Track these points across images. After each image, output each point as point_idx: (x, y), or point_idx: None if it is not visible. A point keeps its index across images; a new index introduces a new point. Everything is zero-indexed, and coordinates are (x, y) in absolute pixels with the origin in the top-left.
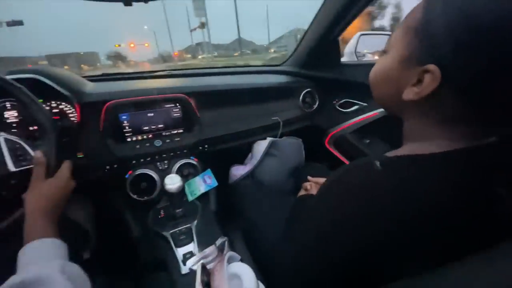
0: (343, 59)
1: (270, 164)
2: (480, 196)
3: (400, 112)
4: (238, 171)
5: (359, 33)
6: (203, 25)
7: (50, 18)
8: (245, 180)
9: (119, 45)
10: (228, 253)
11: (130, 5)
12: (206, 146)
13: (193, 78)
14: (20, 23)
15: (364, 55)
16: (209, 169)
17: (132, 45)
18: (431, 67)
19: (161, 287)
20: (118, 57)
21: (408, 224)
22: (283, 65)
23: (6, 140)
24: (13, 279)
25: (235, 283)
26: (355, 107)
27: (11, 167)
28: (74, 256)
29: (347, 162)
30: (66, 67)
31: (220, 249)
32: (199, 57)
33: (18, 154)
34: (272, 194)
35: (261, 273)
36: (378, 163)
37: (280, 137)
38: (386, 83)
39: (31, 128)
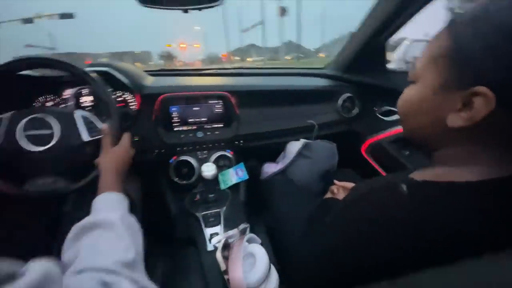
0: (390, 66)
1: (302, 165)
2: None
3: (438, 142)
4: (269, 169)
5: (411, 39)
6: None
7: (109, 18)
8: (276, 177)
9: (170, 45)
10: (249, 235)
11: (187, 12)
12: (241, 141)
13: (237, 78)
14: (70, 16)
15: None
16: (242, 163)
17: (182, 45)
18: (482, 89)
19: (190, 260)
20: (169, 57)
21: (426, 250)
22: (325, 69)
23: (83, 116)
24: (87, 219)
25: (249, 261)
26: (397, 116)
27: (85, 137)
28: None
29: (382, 172)
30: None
31: (242, 233)
32: (249, 59)
33: (90, 127)
34: (301, 194)
35: (279, 266)
36: (404, 187)
37: (315, 140)
38: (421, 113)
39: (99, 107)
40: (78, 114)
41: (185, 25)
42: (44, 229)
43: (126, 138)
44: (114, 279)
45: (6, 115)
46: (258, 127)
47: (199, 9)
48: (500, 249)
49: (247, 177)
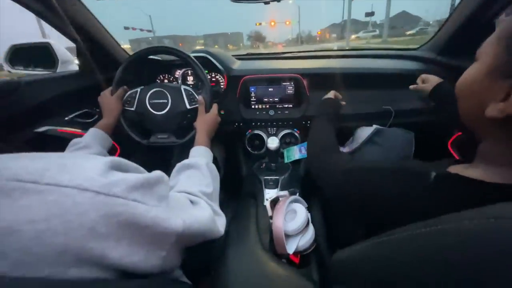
0: None
1: (371, 152)
2: None
3: (479, 130)
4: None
5: None
6: None
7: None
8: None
9: (260, 24)
10: (295, 196)
11: (268, 3)
12: (309, 122)
13: (315, 60)
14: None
15: None
16: (306, 142)
17: (272, 23)
18: None
19: (250, 209)
20: (257, 37)
21: None
22: (419, 50)
23: (185, 89)
24: (185, 161)
25: (292, 215)
26: None
27: (187, 105)
28: None
29: None
30: (216, 46)
31: (291, 194)
32: (353, 36)
33: (190, 98)
34: None
35: (326, 235)
36: (432, 175)
37: (390, 127)
38: (469, 95)
39: (194, 82)
40: (183, 88)
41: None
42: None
43: (215, 108)
44: (197, 200)
45: (138, 89)
46: None
47: (278, 0)
48: None
49: None
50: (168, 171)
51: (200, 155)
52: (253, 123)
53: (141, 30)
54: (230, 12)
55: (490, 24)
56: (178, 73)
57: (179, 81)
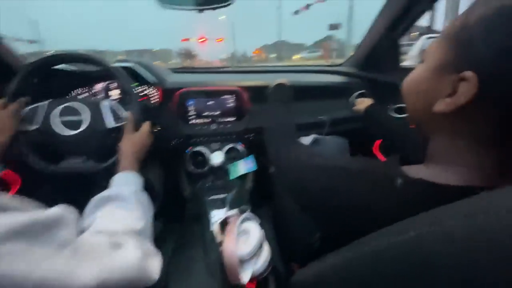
0: (406, 63)
1: None
2: None
3: (429, 128)
4: None
5: (424, 36)
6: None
7: (126, 15)
8: None
9: (187, 39)
10: (246, 214)
11: (202, 12)
12: (252, 134)
13: (250, 75)
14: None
15: None
16: (252, 155)
17: (202, 39)
18: (468, 74)
19: (195, 235)
20: (188, 54)
21: None
22: (342, 66)
23: (109, 105)
24: (103, 193)
25: (244, 237)
26: None
27: (111, 123)
28: None
29: None
30: None
31: (242, 212)
32: (297, 57)
33: (115, 115)
34: None
35: (279, 248)
36: (399, 181)
37: (326, 136)
38: (418, 93)
39: (120, 96)
40: (104, 104)
41: (209, 15)
42: (76, 204)
43: (146, 126)
44: (121, 241)
45: (44, 103)
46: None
47: (213, 9)
48: None
49: (255, 167)
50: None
51: (126, 183)
52: (194, 139)
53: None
54: (154, 27)
55: (396, 44)
56: (99, 86)
57: (101, 96)
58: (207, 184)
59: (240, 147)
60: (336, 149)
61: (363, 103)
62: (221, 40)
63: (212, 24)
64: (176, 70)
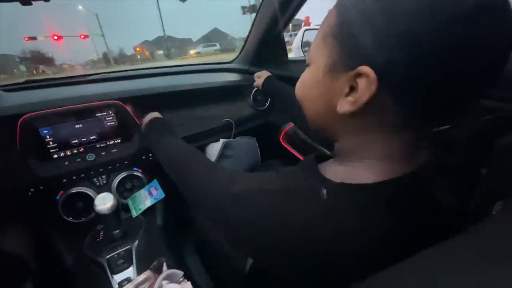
0: (291, 55)
1: (226, 166)
2: (426, 212)
3: (334, 130)
4: None
5: (303, 28)
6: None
7: None
8: None
9: (33, 38)
10: (166, 273)
11: (30, 4)
12: (150, 155)
13: (131, 81)
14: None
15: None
16: (155, 180)
17: (56, 37)
18: (364, 69)
19: None
20: (38, 58)
21: (338, 258)
22: (233, 62)
23: None
24: None
25: None
26: None
27: None
28: None
29: (301, 157)
30: None
31: (157, 271)
32: (192, 52)
33: None
34: None
35: (213, 280)
36: (324, 192)
37: (234, 137)
38: (314, 98)
39: None
40: None
41: (62, 6)
42: None
43: None
44: None
45: None
46: None
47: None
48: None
49: (163, 195)
50: None
51: None
52: (64, 180)
53: None
54: None
55: (280, 38)
56: None
57: None
58: (99, 237)
59: (137, 173)
60: (247, 149)
61: (261, 76)
62: (86, 37)
63: (64, 18)
64: (15, 87)
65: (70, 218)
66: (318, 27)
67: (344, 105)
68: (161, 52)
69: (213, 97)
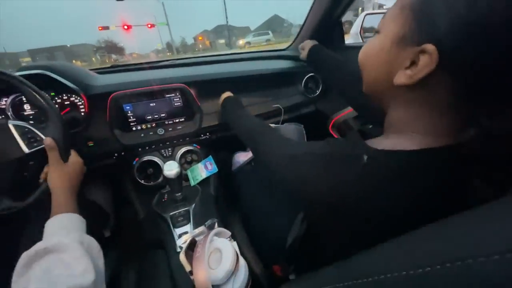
0: (348, 41)
1: None
2: (456, 190)
3: (387, 100)
4: (240, 158)
5: (364, 13)
6: None
7: (26, 10)
8: (246, 166)
9: (106, 28)
10: (216, 229)
11: None
12: (207, 134)
13: (195, 67)
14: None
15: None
16: (210, 156)
17: (126, 26)
18: (429, 47)
19: (159, 263)
20: (111, 48)
21: (378, 220)
22: (287, 50)
23: (15, 126)
24: (38, 245)
25: (216, 257)
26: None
27: (25, 149)
28: (96, 234)
29: None
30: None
31: (210, 228)
32: (241, 42)
33: (29, 137)
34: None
35: (255, 251)
36: (365, 158)
37: (282, 123)
38: (376, 65)
39: (35, 113)
40: (12, 125)
41: None
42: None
43: (74, 154)
44: None
45: None
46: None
47: None
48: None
49: (216, 170)
50: (17, 257)
51: (64, 229)
52: (140, 149)
53: None
54: (64, 18)
55: (338, 22)
56: (5, 102)
57: (9, 114)
58: (165, 198)
59: (196, 149)
60: (294, 136)
61: (305, 47)
62: (152, 26)
63: (134, 7)
64: (103, 71)
65: (143, 181)
66: (380, 11)
67: (401, 77)
68: (222, 41)
69: (266, 83)
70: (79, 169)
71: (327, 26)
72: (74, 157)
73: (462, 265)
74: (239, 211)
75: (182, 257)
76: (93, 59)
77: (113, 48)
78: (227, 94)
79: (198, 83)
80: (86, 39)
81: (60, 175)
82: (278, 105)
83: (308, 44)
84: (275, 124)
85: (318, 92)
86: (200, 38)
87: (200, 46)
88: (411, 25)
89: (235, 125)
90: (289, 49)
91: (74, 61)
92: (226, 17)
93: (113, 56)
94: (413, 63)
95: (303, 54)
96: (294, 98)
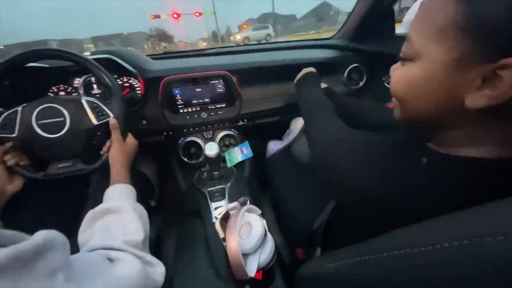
0: (400, 30)
1: (306, 142)
2: None
3: (445, 123)
4: (275, 146)
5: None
6: None
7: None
8: (280, 154)
9: (158, 16)
10: (248, 206)
11: None
12: (245, 120)
13: (238, 56)
14: None
15: None
16: (246, 141)
17: (175, 15)
18: (510, 60)
19: (197, 229)
20: (161, 36)
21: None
22: (333, 39)
23: (87, 101)
24: (101, 206)
25: (246, 229)
26: None
27: (94, 121)
28: (144, 203)
29: None
30: None
31: (242, 204)
32: (239, 37)
33: (97, 111)
34: (304, 170)
35: (282, 234)
36: (424, 159)
37: None
38: (426, 95)
39: (101, 92)
40: (84, 101)
41: None
42: (70, 212)
43: (131, 136)
44: (120, 255)
45: (19, 108)
46: (261, 105)
47: None
48: None
49: (251, 154)
50: (85, 210)
51: (122, 196)
52: (185, 130)
53: None
54: (120, 7)
55: (389, 11)
56: (78, 81)
57: (81, 92)
58: (204, 175)
59: (234, 133)
60: None
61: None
62: (200, 15)
63: None
64: (156, 57)
65: (186, 159)
66: None
67: (477, 100)
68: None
69: None
70: (134, 149)
71: (377, 14)
72: (131, 139)
73: (478, 243)
74: (269, 195)
75: (217, 225)
76: (145, 46)
77: (163, 36)
78: (309, 69)
79: (240, 71)
80: (139, 28)
81: (119, 152)
82: None
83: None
84: None
85: (361, 84)
86: (244, 26)
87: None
88: (467, 44)
89: (301, 99)
90: (334, 38)
91: (128, 47)
92: (273, 4)
93: (163, 43)
94: (485, 81)
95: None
96: (338, 88)
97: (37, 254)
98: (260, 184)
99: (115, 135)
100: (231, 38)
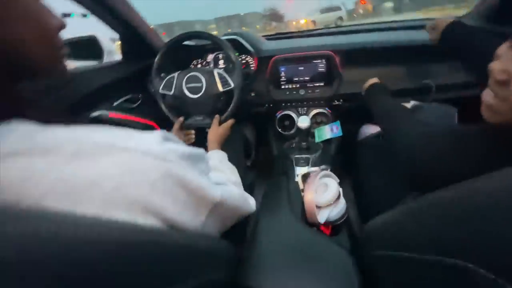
0: None
1: None
2: None
3: None
4: (368, 130)
5: None
6: None
7: None
8: (372, 139)
9: None
10: (328, 172)
11: None
12: (341, 100)
13: (344, 36)
14: None
15: None
16: (338, 121)
17: None
18: None
19: (282, 183)
20: (273, 16)
21: None
22: (463, 18)
23: (218, 73)
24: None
25: (323, 188)
26: None
27: (220, 88)
28: (241, 162)
29: None
30: (229, 30)
31: (323, 170)
32: (304, 21)
33: (223, 81)
34: (394, 158)
35: (360, 216)
36: None
37: (431, 103)
38: None
39: (225, 66)
40: (216, 72)
41: None
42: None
43: (230, 121)
44: (228, 182)
45: (175, 74)
46: (359, 87)
47: None
48: None
49: (341, 133)
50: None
51: (218, 155)
52: (283, 104)
53: None
54: None
55: None
56: (210, 57)
57: (211, 65)
58: (293, 145)
59: (327, 112)
60: (440, 118)
61: (437, 27)
62: None
63: None
64: (270, 37)
65: (280, 129)
66: None
67: None
68: (390, 4)
69: (419, 56)
70: (227, 132)
71: None
72: (228, 124)
73: None
74: (351, 178)
75: (299, 178)
76: (257, 26)
77: (275, 15)
78: (374, 80)
79: (343, 51)
80: (255, 8)
81: (215, 133)
82: (429, 81)
83: (441, 24)
84: (421, 102)
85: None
86: (362, 1)
87: (361, 11)
88: None
89: (375, 108)
90: (466, 18)
91: (243, 28)
92: None
93: (273, 23)
94: None
95: (433, 36)
96: (454, 76)
97: (200, 158)
98: (343, 165)
99: (215, 121)
100: (294, 23)
